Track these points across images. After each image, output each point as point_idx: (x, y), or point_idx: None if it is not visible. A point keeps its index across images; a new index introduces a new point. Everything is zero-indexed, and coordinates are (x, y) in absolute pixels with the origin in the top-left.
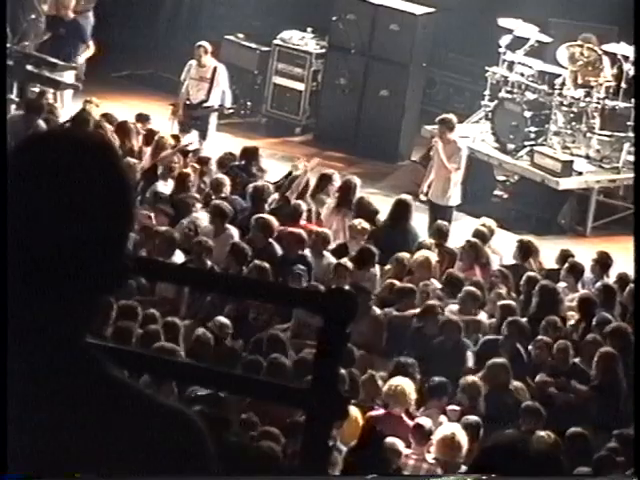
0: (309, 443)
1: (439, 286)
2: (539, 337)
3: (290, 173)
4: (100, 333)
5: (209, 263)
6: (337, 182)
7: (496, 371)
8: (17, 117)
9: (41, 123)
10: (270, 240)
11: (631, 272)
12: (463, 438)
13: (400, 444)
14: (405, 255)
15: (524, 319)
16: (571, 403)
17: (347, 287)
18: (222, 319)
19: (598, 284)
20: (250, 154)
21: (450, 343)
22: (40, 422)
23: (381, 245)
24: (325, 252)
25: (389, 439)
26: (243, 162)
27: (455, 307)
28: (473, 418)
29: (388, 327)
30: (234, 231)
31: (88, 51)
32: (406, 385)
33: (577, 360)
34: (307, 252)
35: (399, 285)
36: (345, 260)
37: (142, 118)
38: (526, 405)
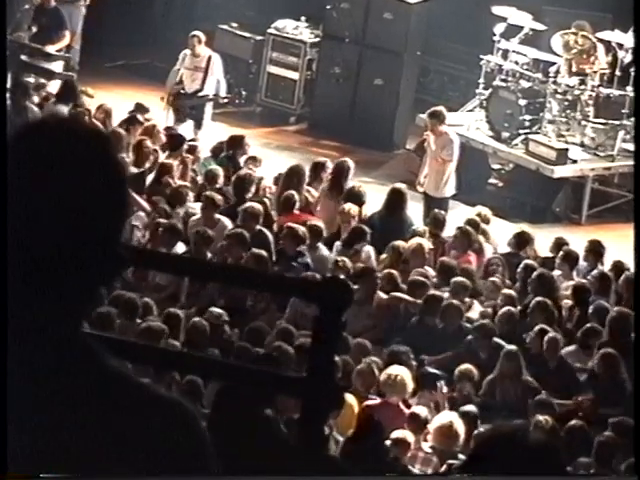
0: (305, 432)
1: (433, 274)
2: (538, 325)
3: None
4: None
5: (208, 254)
6: (330, 170)
7: (505, 359)
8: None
9: (33, 108)
10: (259, 227)
11: (626, 260)
12: (460, 427)
13: (410, 436)
14: (401, 243)
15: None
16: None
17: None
18: (217, 310)
19: (594, 272)
20: (236, 143)
21: (451, 328)
22: (40, 422)
23: (377, 233)
24: (319, 244)
25: (398, 432)
26: (230, 152)
27: (447, 295)
28: (470, 407)
29: (392, 313)
30: (227, 222)
31: (61, 42)
32: (405, 374)
33: (572, 348)
34: (304, 247)
35: (412, 278)
36: (343, 258)
37: (142, 109)
38: (539, 399)
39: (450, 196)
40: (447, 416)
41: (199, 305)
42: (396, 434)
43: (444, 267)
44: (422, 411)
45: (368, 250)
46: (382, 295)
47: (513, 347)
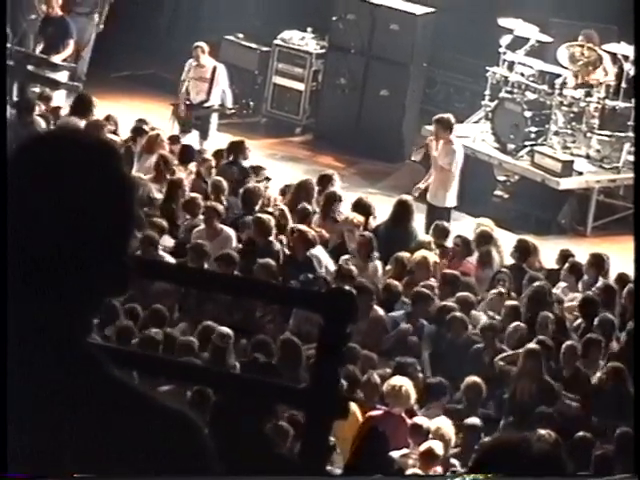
0: (309, 442)
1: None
2: (542, 337)
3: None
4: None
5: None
6: (337, 182)
7: (526, 358)
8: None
9: (39, 121)
10: (270, 239)
11: (631, 272)
12: (449, 430)
13: (439, 448)
14: (405, 255)
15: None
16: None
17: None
18: (223, 329)
19: (599, 284)
20: (236, 148)
21: (460, 339)
22: (40, 422)
23: (382, 245)
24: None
25: (425, 444)
26: (231, 158)
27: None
28: (474, 420)
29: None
30: (231, 232)
31: (66, 51)
32: (407, 385)
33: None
34: (315, 251)
35: (416, 289)
36: (348, 261)
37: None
38: (539, 410)
39: (452, 207)
40: (437, 421)
41: (207, 316)
42: (424, 446)
43: (446, 279)
44: (424, 421)
45: (375, 265)
46: (379, 311)
47: (535, 345)
